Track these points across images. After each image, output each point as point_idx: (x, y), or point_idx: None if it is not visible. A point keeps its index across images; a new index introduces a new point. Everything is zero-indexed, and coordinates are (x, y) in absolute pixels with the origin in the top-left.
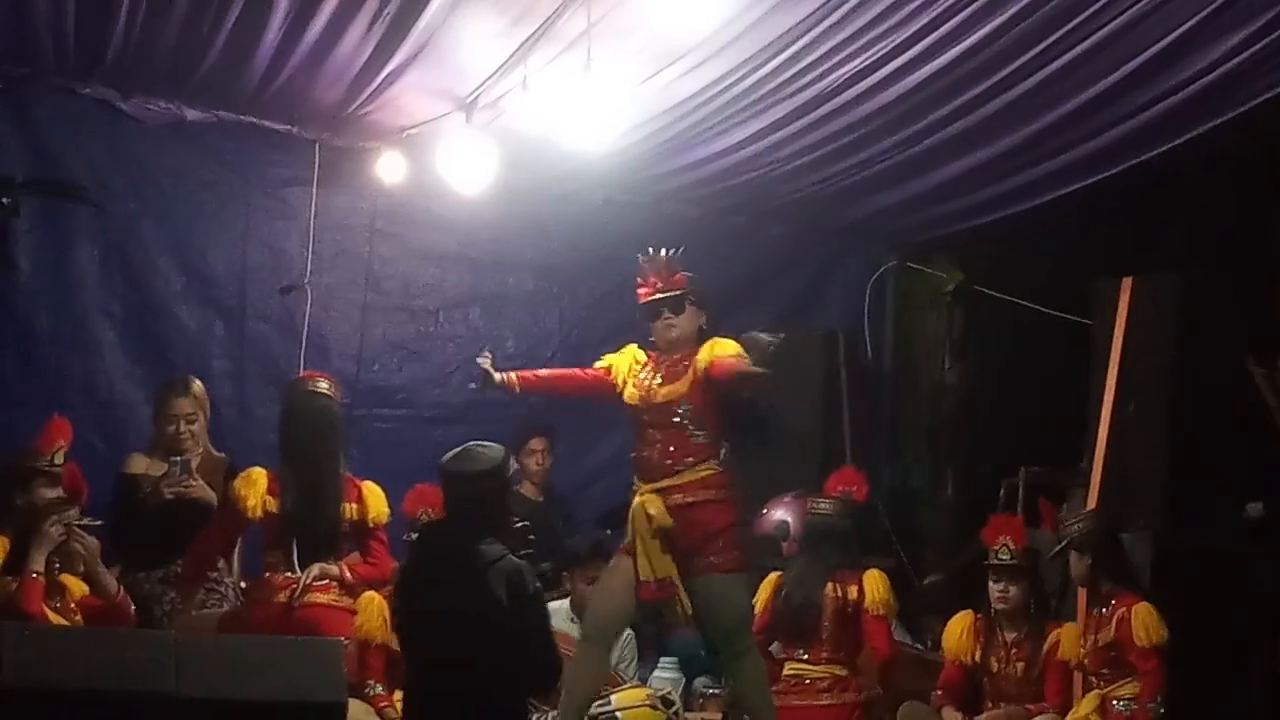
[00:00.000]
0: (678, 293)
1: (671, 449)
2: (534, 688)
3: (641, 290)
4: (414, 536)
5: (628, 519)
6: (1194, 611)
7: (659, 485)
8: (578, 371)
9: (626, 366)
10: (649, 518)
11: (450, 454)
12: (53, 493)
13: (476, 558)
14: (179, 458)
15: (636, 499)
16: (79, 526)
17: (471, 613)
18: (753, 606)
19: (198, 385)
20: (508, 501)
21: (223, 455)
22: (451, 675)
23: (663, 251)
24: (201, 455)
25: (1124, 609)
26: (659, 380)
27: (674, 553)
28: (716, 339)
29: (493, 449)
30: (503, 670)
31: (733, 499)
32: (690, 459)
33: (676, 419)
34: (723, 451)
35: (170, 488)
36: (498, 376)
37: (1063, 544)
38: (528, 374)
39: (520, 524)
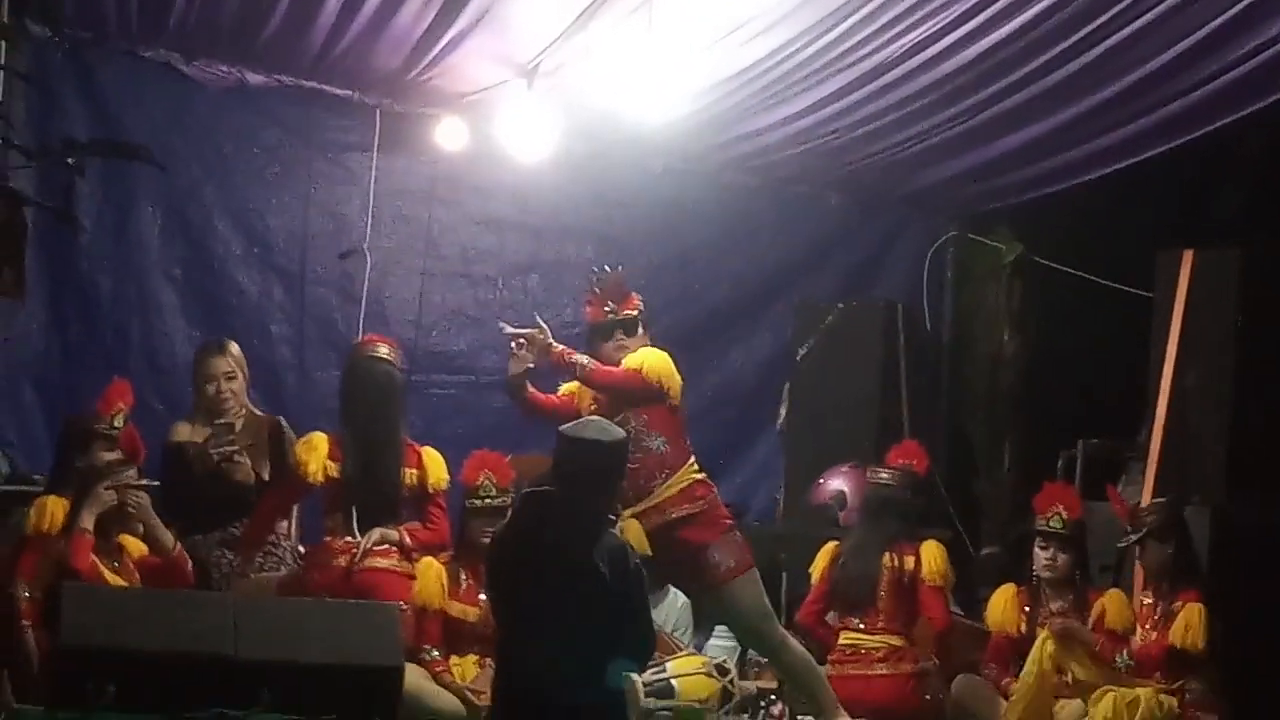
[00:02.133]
0: (633, 314)
1: (638, 467)
2: (630, 663)
3: (590, 309)
4: (480, 503)
5: None
6: (1253, 587)
7: (637, 510)
8: (550, 397)
9: (590, 395)
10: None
11: (574, 423)
12: (111, 455)
13: (584, 531)
14: (222, 420)
15: (618, 526)
16: (135, 486)
17: (575, 584)
18: (766, 603)
19: (234, 346)
20: (620, 484)
21: (266, 415)
22: (549, 646)
23: (616, 269)
24: (245, 416)
25: (1180, 604)
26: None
27: (675, 571)
28: (645, 350)
29: (616, 426)
30: (600, 644)
31: (716, 503)
32: (663, 473)
33: (633, 435)
34: (692, 456)
35: (217, 450)
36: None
37: (1143, 532)
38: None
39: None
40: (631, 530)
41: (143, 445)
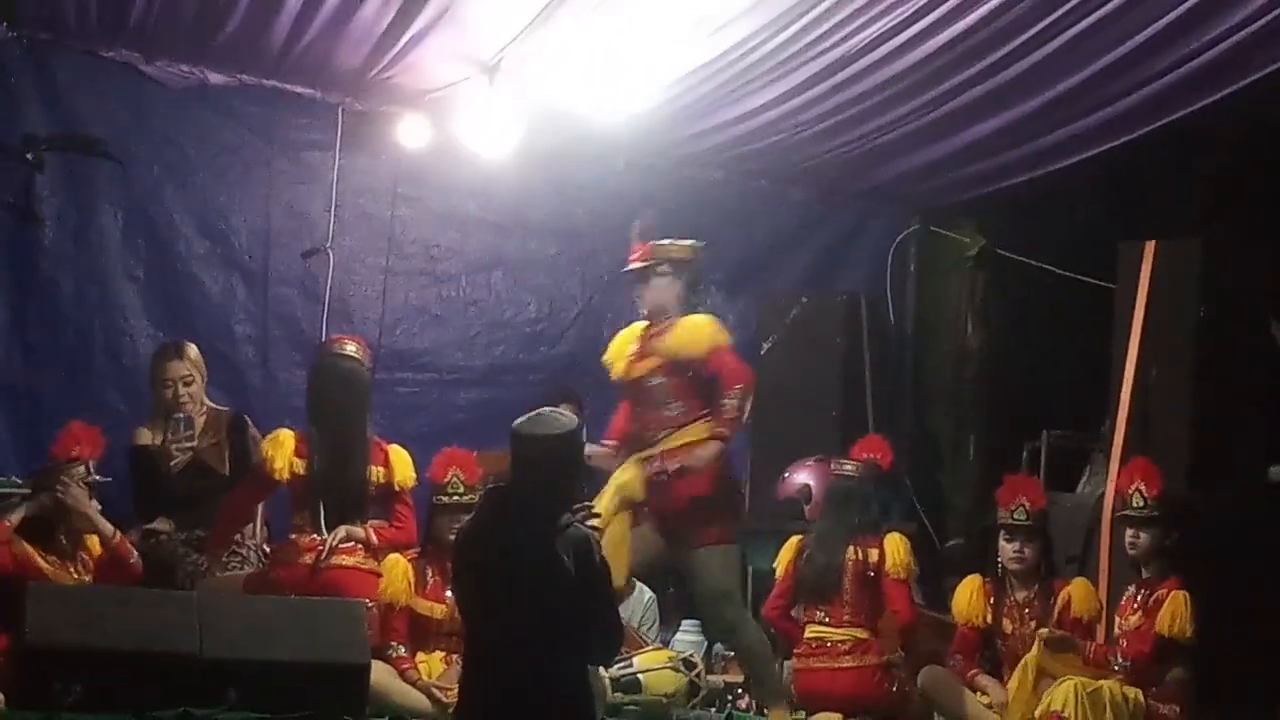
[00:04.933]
0: (639, 265)
1: (647, 419)
2: (596, 658)
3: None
4: (448, 500)
5: None
6: (1216, 575)
7: (640, 455)
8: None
9: (621, 349)
10: (617, 486)
11: (524, 418)
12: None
13: (546, 524)
14: (180, 415)
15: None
16: (86, 483)
17: (540, 579)
18: (732, 583)
19: (192, 349)
20: (579, 471)
21: (227, 410)
22: (516, 642)
23: (640, 221)
24: (206, 414)
25: (1165, 591)
26: (636, 354)
27: (661, 526)
28: (685, 321)
29: (567, 415)
30: (568, 639)
31: (723, 469)
32: (665, 431)
33: (649, 392)
34: (708, 419)
35: (177, 445)
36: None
37: (1154, 515)
38: (614, 431)
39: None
40: (629, 469)
41: (101, 440)
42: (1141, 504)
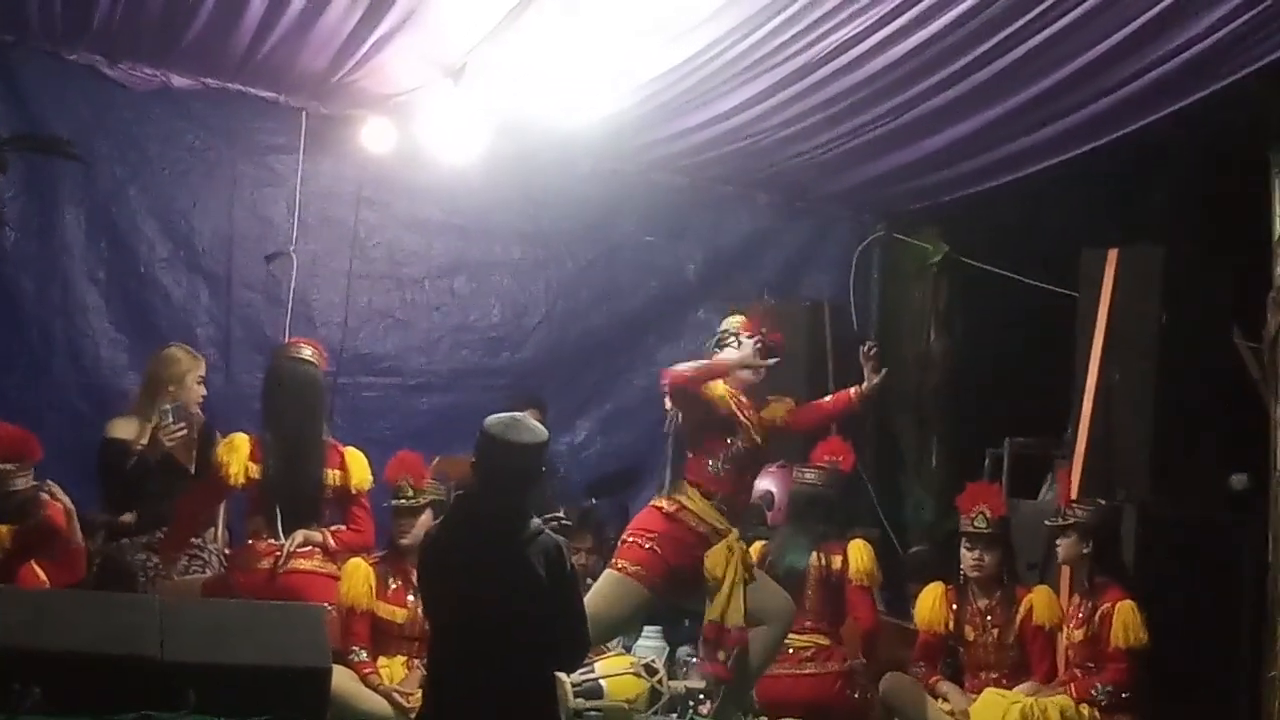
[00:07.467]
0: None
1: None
2: (563, 664)
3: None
4: (398, 504)
5: (712, 559)
6: (1176, 581)
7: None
8: None
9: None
10: (748, 567)
11: (498, 421)
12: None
13: (518, 531)
14: (169, 405)
15: (731, 541)
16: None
17: (511, 586)
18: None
19: None
20: (541, 481)
21: (201, 416)
22: (484, 648)
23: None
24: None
25: (1109, 605)
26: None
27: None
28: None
29: (537, 422)
30: (536, 645)
31: None
32: None
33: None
34: None
35: (167, 435)
36: None
37: (1068, 523)
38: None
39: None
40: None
41: (39, 445)
42: (1057, 513)
